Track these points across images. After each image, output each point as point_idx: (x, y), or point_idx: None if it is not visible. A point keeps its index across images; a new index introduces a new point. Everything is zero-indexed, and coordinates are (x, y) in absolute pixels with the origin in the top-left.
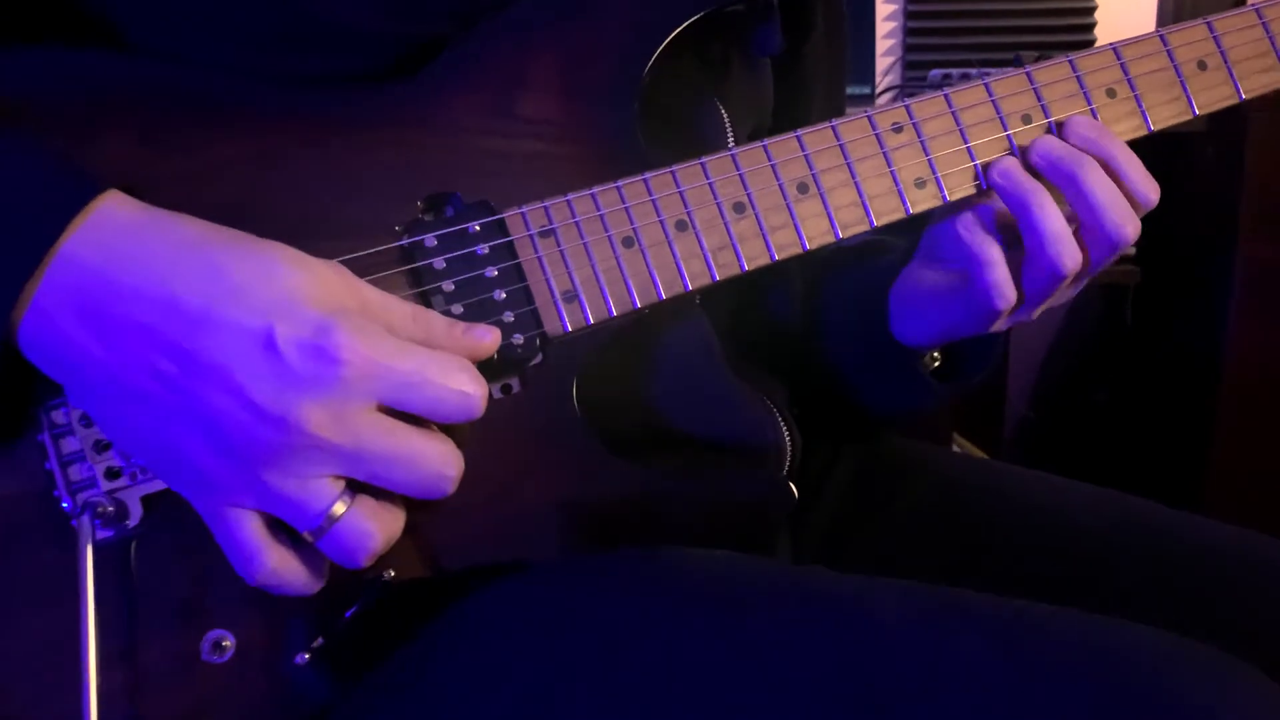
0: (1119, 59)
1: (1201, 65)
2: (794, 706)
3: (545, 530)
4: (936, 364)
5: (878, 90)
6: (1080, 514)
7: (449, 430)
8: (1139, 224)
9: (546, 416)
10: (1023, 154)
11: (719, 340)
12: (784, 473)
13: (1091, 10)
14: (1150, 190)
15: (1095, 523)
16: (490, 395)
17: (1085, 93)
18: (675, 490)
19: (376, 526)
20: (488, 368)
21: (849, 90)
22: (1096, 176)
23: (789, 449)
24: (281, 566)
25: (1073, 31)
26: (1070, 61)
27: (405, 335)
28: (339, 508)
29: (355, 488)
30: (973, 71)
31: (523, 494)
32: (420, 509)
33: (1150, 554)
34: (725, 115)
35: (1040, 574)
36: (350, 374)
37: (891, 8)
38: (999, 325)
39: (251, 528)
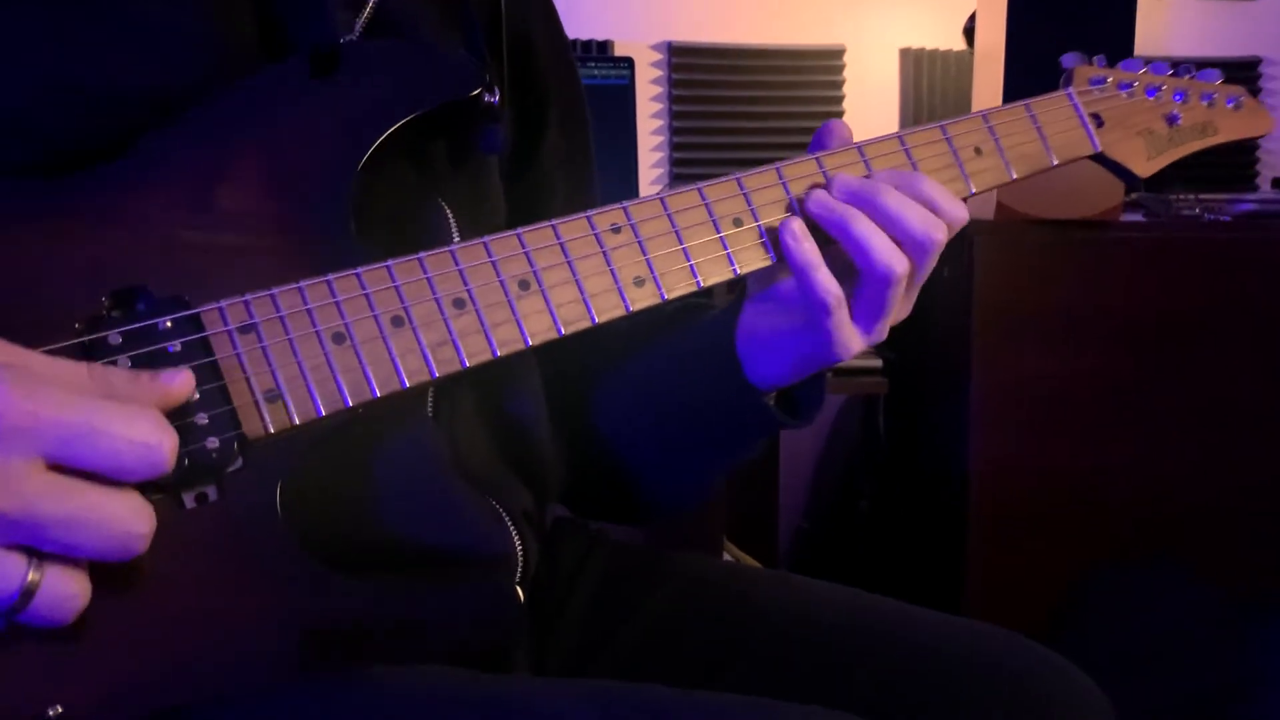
0: (863, 156)
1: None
2: None
3: (245, 655)
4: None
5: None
6: (818, 615)
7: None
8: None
9: (247, 527)
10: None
11: (452, 448)
12: (515, 581)
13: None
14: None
15: (832, 622)
16: (183, 505)
17: (791, 199)
18: (394, 605)
19: (78, 587)
20: (181, 473)
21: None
22: (865, 226)
23: (520, 557)
24: None
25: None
26: (777, 169)
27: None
28: (32, 577)
29: (40, 555)
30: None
31: (219, 615)
32: (110, 579)
33: (878, 652)
34: (451, 215)
35: (784, 675)
36: (4, 426)
37: (658, 122)
38: (853, 348)
39: None
